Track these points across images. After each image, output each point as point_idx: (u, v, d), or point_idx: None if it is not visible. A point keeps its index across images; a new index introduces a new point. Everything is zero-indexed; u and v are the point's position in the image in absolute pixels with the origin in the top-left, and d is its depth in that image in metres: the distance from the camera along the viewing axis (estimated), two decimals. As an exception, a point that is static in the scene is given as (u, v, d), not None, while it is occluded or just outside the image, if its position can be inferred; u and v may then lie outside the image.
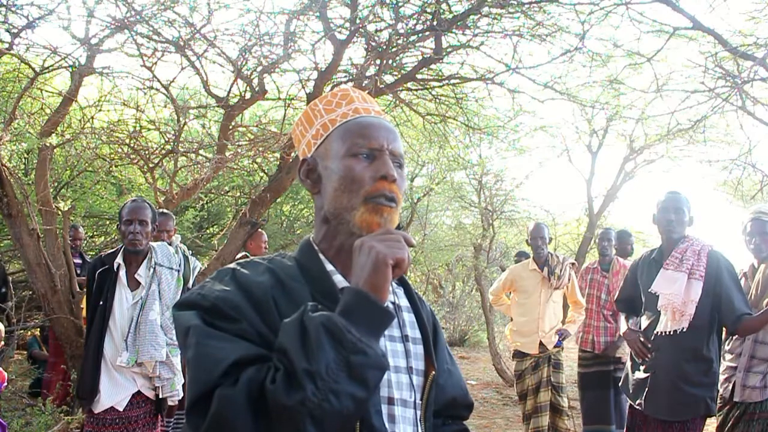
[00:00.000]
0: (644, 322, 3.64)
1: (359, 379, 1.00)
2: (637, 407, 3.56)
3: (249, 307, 1.11)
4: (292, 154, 5.56)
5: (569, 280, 5.08)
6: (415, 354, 1.28)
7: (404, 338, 1.27)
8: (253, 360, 1.05)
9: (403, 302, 1.33)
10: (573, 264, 5.27)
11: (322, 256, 1.26)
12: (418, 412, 1.26)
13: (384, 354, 1.05)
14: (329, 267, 1.24)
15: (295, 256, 1.29)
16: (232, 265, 1.24)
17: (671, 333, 3.41)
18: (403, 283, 1.37)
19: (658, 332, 3.48)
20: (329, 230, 1.27)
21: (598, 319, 5.51)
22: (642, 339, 3.59)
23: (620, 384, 3.89)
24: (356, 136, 1.24)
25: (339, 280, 1.22)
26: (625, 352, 5.37)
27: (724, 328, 3.54)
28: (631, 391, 3.64)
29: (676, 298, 3.38)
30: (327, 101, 1.31)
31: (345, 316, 1.03)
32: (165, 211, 4.67)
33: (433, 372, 1.28)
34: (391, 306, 1.28)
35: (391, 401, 1.20)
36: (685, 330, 3.38)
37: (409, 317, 1.32)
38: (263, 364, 1.04)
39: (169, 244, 3.79)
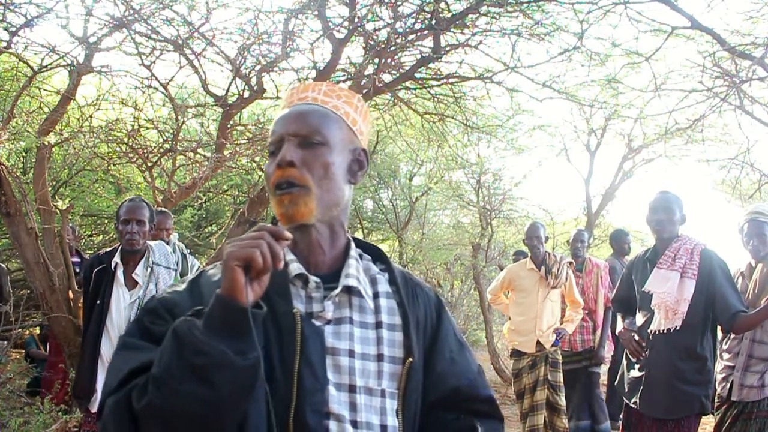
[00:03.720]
0: (639, 320, 3.65)
1: (204, 380, 1.00)
2: (633, 406, 3.57)
3: (190, 307, 1.11)
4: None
5: (567, 279, 5.08)
6: (391, 341, 1.25)
7: (378, 325, 1.25)
8: (149, 366, 1.07)
9: (383, 288, 1.30)
10: (570, 263, 5.27)
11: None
12: (393, 402, 1.22)
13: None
14: (289, 256, 1.23)
15: None
16: (207, 268, 1.27)
17: (665, 331, 3.42)
18: (389, 269, 1.34)
19: (652, 331, 3.49)
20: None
21: (585, 320, 5.59)
22: (636, 338, 3.61)
23: (616, 383, 3.90)
24: (270, 135, 1.29)
25: (295, 268, 1.22)
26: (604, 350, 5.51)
27: (718, 327, 3.55)
28: (626, 390, 3.65)
29: (669, 297, 3.40)
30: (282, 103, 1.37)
31: (206, 321, 1.04)
32: (163, 209, 4.67)
33: (410, 359, 1.24)
34: (368, 300, 1.26)
35: (353, 389, 1.18)
36: (678, 328, 3.39)
37: (387, 303, 1.28)
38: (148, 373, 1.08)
39: (167, 243, 3.78)
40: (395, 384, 1.23)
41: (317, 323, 1.19)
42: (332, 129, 1.26)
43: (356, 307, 1.24)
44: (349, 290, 1.24)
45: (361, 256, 1.33)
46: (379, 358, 1.23)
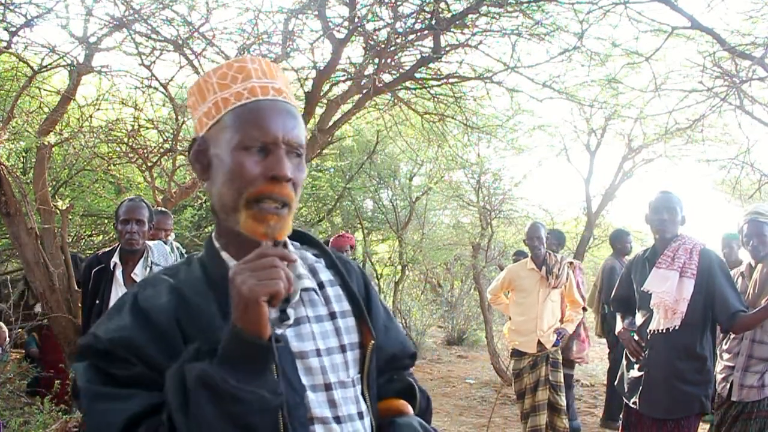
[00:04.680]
0: (639, 320, 3.65)
1: (245, 427, 0.98)
2: (632, 406, 3.57)
3: (148, 342, 1.05)
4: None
5: (567, 279, 5.08)
6: (347, 329, 1.22)
7: (332, 315, 1.21)
8: (146, 414, 1.01)
9: (325, 276, 1.25)
10: (571, 263, 5.27)
11: (225, 254, 1.18)
12: (359, 387, 1.21)
13: (273, 390, 1.00)
14: (232, 264, 1.11)
15: (201, 259, 1.21)
16: (135, 288, 1.16)
17: (664, 331, 3.42)
18: (323, 253, 1.29)
19: (651, 330, 3.49)
20: (221, 223, 1.19)
21: None
22: (636, 338, 3.61)
23: (616, 383, 3.90)
24: (250, 125, 1.11)
25: None
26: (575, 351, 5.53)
27: (718, 326, 3.55)
28: (626, 390, 3.65)
29: (668, 297, 3.40)
30: (221, 74, 1.16)
31: (224, 362, 0.98)
32: (163, 209, 4.67)
33: (372, 341, 1.22)
34: (313, 293, 1.22)
35: (328, 387, 1.15)
36: (677, 328, 3.39)
37: (333, 291, 1.24)
38: (153, 420, 1.01)
39: (165, 243, 3.78)
40: (357, 369, 1.22)
41: (279, 331, 1.12)
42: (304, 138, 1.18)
43: (307, 302, 1.20)
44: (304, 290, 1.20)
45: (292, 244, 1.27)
46: (342, 348, 1.20)
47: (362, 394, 1.22)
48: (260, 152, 1.12)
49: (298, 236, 1.29)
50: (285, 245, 1.19)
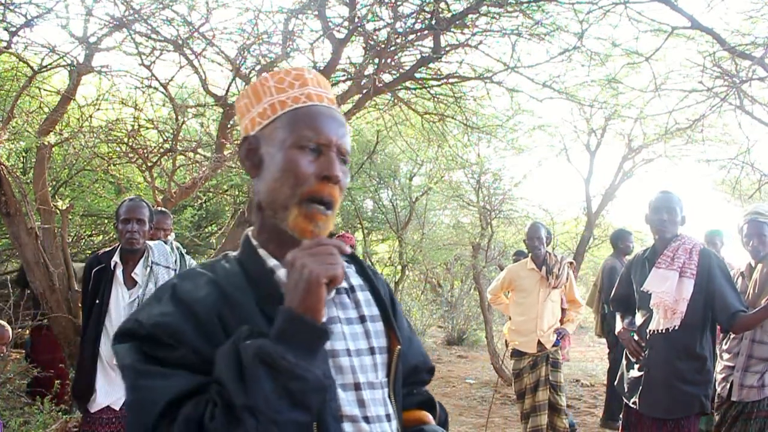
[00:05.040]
0: (638, 320, 3.65)
1: (300, 405, 0.99)
2: (632, 406, 3.57)
3: (191, 330, 1.07)
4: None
5: (567, 279, 5.08)
6: (375, 332, 1.25)
7: (361, 318, 1.25)
8: (191, 393, 1.02)
9: (355, 281, 1.29)
10: (571, 263, 5.27)
11: (262, 252, 1.21)
12: (386, 390, 1.24)
13: (325, 373, 1.04)
14: (272, 262, 1.19)
15: (238, 257, 1.24)
16: (172, 280, 1.18)
17: (664, 331, 3.42)
18: (354, 260, 1.33)
19: (650, 330, 3.49)
20: (265, 220, 1.22)
21: None
22: (636, 338, 3.61)
23: (615, 383, 3.90)
24: (305, 126, 1.17)
25: (284, 274, 1.15)
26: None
27: (717, 326, 3.55)
28: (625, 390, 3.65)
29: (668, 297, 3.40)
30: (279, 79, 1.23)
31: (280, 341, 1.00)
32: (163, 209, 4.67)
33: (399, 347, 1.26)
34: (343, 291, 1.25)
35: (358, 386, 1.18)
36: (677, 328, 3.39)
37: (363, 296, 1.28)
38: (201, 398, 1.01)
39: (165, 243, 3.78)
40: (384, 372, 1.25)
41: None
42: None
43: (338, 304, 1.23)
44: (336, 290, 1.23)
45: None
46: (371, 351, 1.23)
47: (389, 397, 1.25)
48: (313, 152, 1.17)
49: None
50: None
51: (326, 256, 1.04)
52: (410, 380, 1.37)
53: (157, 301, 1.13)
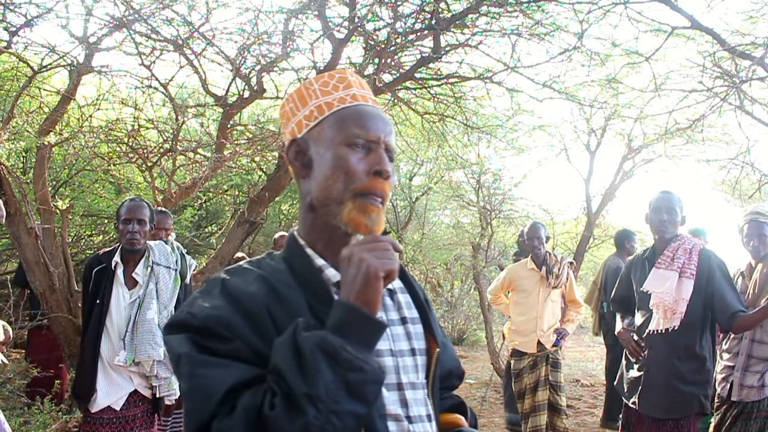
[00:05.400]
0: (638, 320, 3.65)
1: (359, 396, 1.01)
2: (632, 406, 3.57)
3: (242, 323, 1.09)
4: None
5: (567, 279, 5.08)
6: (416, 334, 1.27)
7: (403, 320, 1.27)
8: (249, 383, 1.04)
9: (396, 283, 1.32)
10: (571, 263, 5.27)
11: (310, 251, 1.23)
12: (425, 391, 1.26)
13: (380, 366, 1.05)
14: (320, 262, 1.21)
15: (284, 255, 1.25)
16: (221, 275, 1.20)
17: (663, 331, 3.42)
18: None
19: (650, 330, 3.49)
20: (315, 220, 1.23)
21: None
22: (635, 338, 3.61)
23: (615, 383, 3.91)
24: (354, 124, 1.21)
25: (332, 274, 1.20)
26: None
27: (717, 326, 3.55)
28: (625, 390, 3.65)
29: (668, 297, 3.40)
30: (323, 82, 1.27)
31: (339, 333, 1.02)
32: (163, 209, 4.67)
33: (438, 349, 1.28)
34: (386, 293, 1.27)
35: (400, 386, 1.20)
36: (677, 328, 3.39)
37: (404, 298, 1.31)
38: (258, 388, 1.03)
39: (165, 243, 3.78)
40: (424, 374, 1.27)
41: None
42: None
43: (382, 306, 1.25)
44: None
45: None
46: (412, 352, 1.25)
47: (428, 398, 1.27)
48: (362, 149, 1.21)
49: None
50: None
51: (383, 252, 1.07)
52: (443, 384, 1.39)
53: (207, 294, 1.15)
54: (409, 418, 1.19)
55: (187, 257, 4.04)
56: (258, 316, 1.10)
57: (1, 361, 3.19)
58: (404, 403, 1.19)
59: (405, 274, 1.35)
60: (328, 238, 1.22)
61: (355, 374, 1.00)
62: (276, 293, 1.15)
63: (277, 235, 5.92)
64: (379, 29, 5.49)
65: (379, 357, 1.18)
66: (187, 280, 3.79)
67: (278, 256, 1.26)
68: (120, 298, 3.35)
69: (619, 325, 3.86)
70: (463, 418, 1.39)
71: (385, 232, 1.17)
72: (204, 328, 1.09)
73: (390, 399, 1.17)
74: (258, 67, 5.40)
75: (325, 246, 1.22)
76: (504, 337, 5.43)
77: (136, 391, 3.33)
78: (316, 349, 0.99)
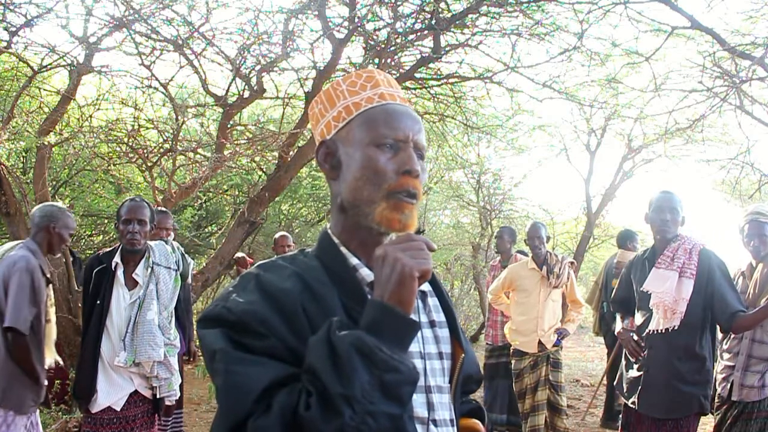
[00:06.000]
0: (638, 320, 3.65)
1: (394, 397, 1.00)
2: (631, 406, 3.57)
3: (278, 320, 1.08)
4: (290, 153, 5.56)
5: (568, 279, 5.08)
6: (444, 338, 1.27)
7: (431, 324, 1.26)
8: (284, 382, 1.03)
9: (426, 286, 1.30)
10: (572, 263, 5.27)
11: (344, 250, 1.22)
12: (449, 395, 1.25)
13: (415, 366, 1.04)
14: (354, 261, 1.20)
15: (317, 253, 1.24)
16: (254, 270, 1.18)
17: (663, 331, 3.42)
18: None
19: (650, 330, 3.49)
20: (347, 220, 1.23)
21: (497, 314, 5.85)
22: (635, 338, 3.61)
23: (615, 383, 3.90)
24: (382, 124, 1.19)
25: (366, 273, 1.18)
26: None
27: (717, 327, 3.55)
28: (625, 390, 3.65)
29: (668, 297, 3.39)
30: (351, 82, 1.25)
31: (373, 333, 1.00)
32: (163, 209, 4.67)
33: (463, 354, 1.27)
34: (419, 300, 1.26)
35: (429, 390, 1.19)
36: (677, 328, 3.39)
37: (433, 302, 1.30)
38: (294, 387, 1.02)
39: (166, 243, 3.78)
40: (448, 378, 1.26)
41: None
42: None
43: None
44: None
45: None
46: (440, 356, 1.25)
47: (451, 402, 1.26)
48: (391, 149, 1.19)
49: None
50: None
51: (417, 251, 1.05)
52: (462, 389, 1.37)
53: (242, 289, 1.13)
54: (434, 422, 1.18)
55: (187, 257, 4.04)
56: (293, 314, 1.09)
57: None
58: (431, 407, 1.19)
59: (434, 278, 1.34)
60: (361, 237, 1.21)
61: (390, 375, 0.99)
62: (311, 291, 1.14)
63: (277, 235, 5.91)
64: (379, 29, 5.49)
65: (411, 359, 1.16)
66: (189, 280, 3.78)
67: (311, 253, 1.25)
68: (120, 298, 3.35)
69: (618, 325, 3.86)
70: (480, 423, 1.38)
71: (418, 231, 1.16)
72: (239, 324, 1.07)
73: (417, 401, 1.16)
74: (258, 67, 5.40)
75: (359, 245, 1.21)
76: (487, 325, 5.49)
77: (136, 391, 3.32)
78: (351, 348, 0.98)
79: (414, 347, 1.18)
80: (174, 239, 4.49)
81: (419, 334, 1.21)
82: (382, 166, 1.17)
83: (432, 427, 1.17)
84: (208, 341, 1.09)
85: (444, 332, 1.28)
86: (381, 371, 0.98)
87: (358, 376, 0.97)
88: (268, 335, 1.06)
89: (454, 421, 1.24)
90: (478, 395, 5.95)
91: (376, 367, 0.98)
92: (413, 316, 1.20)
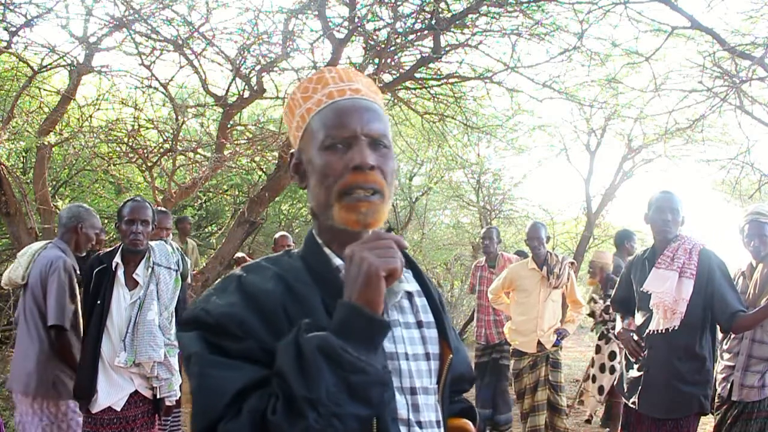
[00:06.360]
0: (638, 320, 3.65)
1: (362, 399, 0.99)
2: (632, 406, 3.57)
3: (257, 321, 1.08)
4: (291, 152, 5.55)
5: (568, 279, 5.08)
6: (430, 339, 1.25)
7: (419, 324, 1.25)
8: (258, 385, 1.03)
9: (413, 286, 1.29)
10: (572, 263, 5.27)
11: (328, 251, 1.22)
12: (436, 396, 1.24)
13: (385, 366, 1.03)
14: (337, 261, 1.19)
15: (302, 254, 1.24)
16: (237, 271, 1.19)
17: (663, 331, 3.42)
18: (411, 265, 1.33)
19: (650, 331, 3.49)
20: (320, 225, 1.23)
21: (488, 313, 5.88)
22: (635, 338, 3.61)
23: (615, 383, 3.90)
24: (329, 126, 1.17)
25: None
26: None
27: (717, 327, 3.55)
28: (625, 390, 3.65)
29: (668, 297, 3.39)
30: (304, 88, 1.24)
31: (340, 335, 1.00)
32: (163, 209, 4.67)
33: (451, 355, 1.26)
34: (405, 300, 1.25)
35: (413, 391, 1.18)
36: (677, 328, 3.38)
37: (420, 302, 1.28)
38: (265, 390, 1.02)
39: (165, 243, 3.78)
40: (435, 379, 1.25)
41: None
42: (389, 131, 1.23)
43: (398, 308, 1.23)
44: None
45: None
46: (427, 357, 1.24)
47: (438, 403, 1.25)
48: (343, 148, 1.17)
49: None
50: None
51: (385, 250, 1.04)
52: (454, 388, 1.36)
53: (223, 291, 1.13)
54: (419, 423, 1.17)
55: (186, 257, 4.04)
56: (273, 315, 1.09)
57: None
58: (416, 408, 1.18)
59: (422, 277, 1.33)
60: (341, 239, 1.20)
61: (357, 376, 0.98)
62: (292, 291, 1.13)
63: (277, 235, 5.91)
64: (379, 29, 5.49)
65: (394, 360, 1.17)
66: (189, 280, 3.79)
67: (296, 254, 1.25)
68: (120, 298, 3.34)
69: (619, 326, 3.86)
70: (471, 423, 1.37)
71: (389, 230, 1.15)
72: (217, 326, 1.08)
73: (402, 403, 1.16)
74: (258, 67, 5.40)
75: (339, 246, 1.19)
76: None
77: (136, 391, 3.32)
78: (316, 351, 0.98)
79: (400, 348, 1.18)
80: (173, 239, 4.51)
81: (405, 334, 1.21)
82: (332, 168, 1.15)
83: (416, 429, 1.17)
84: (185, 344, 1.09)
85: (432, 333, 1.26)
86: (347, 373, 0.97)
87: (323, 379, 0.96)
88: (245, 337, 1.06)
89: (441, 422, 1.23)
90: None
91: (342, 369, 0.97)
92: (399, 317, 1.21)
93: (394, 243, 1.06)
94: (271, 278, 1.15)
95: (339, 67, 1.27)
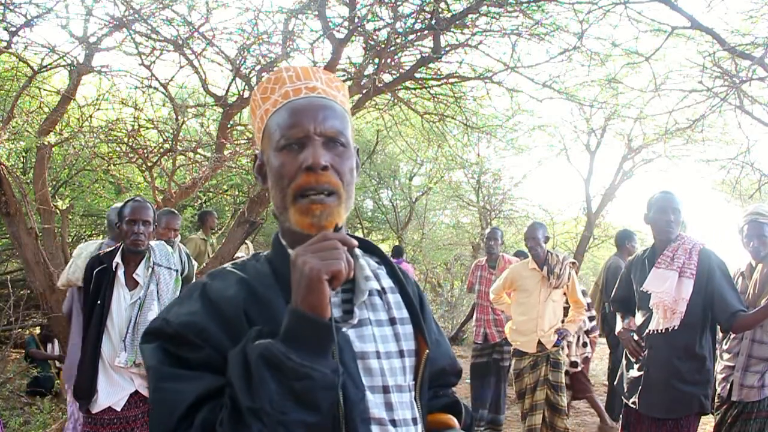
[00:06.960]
0: (638, 320, 3.65)
1: (309, 405, 0.97)
2: (632, 405, 3.57)
3: (217, 329, 1.07)
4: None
5: (569, 279, 5.08)
6: (405, 335, 1.24)
7: (392, 321, 1.23)
8: (211, 395, 1.02)
9: (386, 283, 1.27)
10: (573, 263, 5.27)
11: (291, 251, 1.18)
12: (413, 393, 1.23)
13: (334, 370, 1.01)
14: None
15: (269, 257, 1.24)
16: (203, 278, 1.18)
17: (663, 331, 3.42)
18: (384, 261, 1.32)
19: (650, 330, 3.49)
20: (282, 226, 1.22)
21: (488, 313, 5.92)
22: (635, 338, 3.61)
23: (615, 383, 3.90)
24: (283, 126, 1.16)
25: None
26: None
27: (717, 326, 3.55)
28: (625, 390, 3.65)
29: (667, 297, 3.40)
30: (263, 89, 1.23)
31: (286, 341, 0.98)
32: (172, 210, 4.67)
33: (427, 351, 1.24)
34: (375, 293, 1.24)
35: (386, 389, 1.17)
36: (677, 328, 3.39)
37: (394, 298, 1.26)
38: (218, 402, 1.02)
39: (172, 244, 3.79)
40: (412, 376, 1.24)
41: (343, 329, 1.14)
42: (348, 129, 1.21)
43: (369, 306, 1.22)
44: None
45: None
46: (401, 354, 1.22)
47: (415, 400, 1.24)
48: (298, 149, 1.15)
49: (361, 244, 1.31)
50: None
51: (329, 252, 1.01)
52: (437, 383, 1.36)
53: (186, 299, 1.14)
54: (393, 422, 1.16)
55: (191, 258, 4.05)
56: (234, 321, 1.08)
57: None
58: (389, 407, 1.16)
59: (396, 273, 1.31)
60: (298, 239, 1.15)
61: (301, 382, 0.97)
62: (255, 296, 1.12)
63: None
64: (379, 29, 5.49)
65: (365, 359, 1.15)
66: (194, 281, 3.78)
67: (264, 257, 1.25)
68: (121, 299, 3.34)
69: (619, 325, 3.86)
70: (454, 418, 1.34)
71: (336, 228, 1.12)
72: (177, 336, 1.07)
73: (375, 402, 1.14)
74: (258, 67, 5.40)
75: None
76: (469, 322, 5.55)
77: (137, 391, 3.32)
78: (259, 359, 0.97)
79: (370, 347, 1.17)
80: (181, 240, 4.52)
81: (376, 332, 1.19)
82: (286, 170, 1.14)
83: (391, 427, 1.15)
84: (145, 358, 1.10)
85: (406, 329, 1.24)
86: (290, 380, 0.96)
87: (266, 387, 0.96)
88: (203, 346, 1.06)
89: (417, 419, 1.22)
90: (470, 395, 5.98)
91: (285, 376, 0.96)
92: (369, 314, 1.20)
93: (340, 243, 1.03)
94: (234, 284, 1.15)
95: (298, 66, 1.25)
